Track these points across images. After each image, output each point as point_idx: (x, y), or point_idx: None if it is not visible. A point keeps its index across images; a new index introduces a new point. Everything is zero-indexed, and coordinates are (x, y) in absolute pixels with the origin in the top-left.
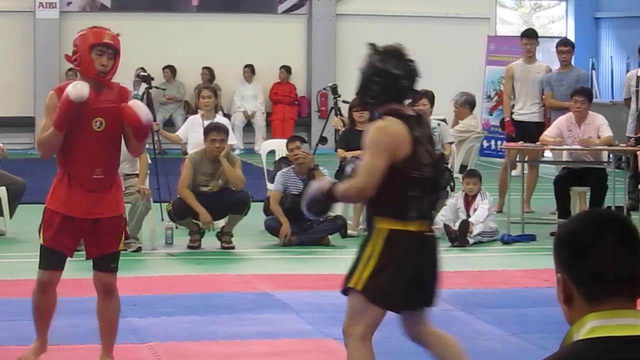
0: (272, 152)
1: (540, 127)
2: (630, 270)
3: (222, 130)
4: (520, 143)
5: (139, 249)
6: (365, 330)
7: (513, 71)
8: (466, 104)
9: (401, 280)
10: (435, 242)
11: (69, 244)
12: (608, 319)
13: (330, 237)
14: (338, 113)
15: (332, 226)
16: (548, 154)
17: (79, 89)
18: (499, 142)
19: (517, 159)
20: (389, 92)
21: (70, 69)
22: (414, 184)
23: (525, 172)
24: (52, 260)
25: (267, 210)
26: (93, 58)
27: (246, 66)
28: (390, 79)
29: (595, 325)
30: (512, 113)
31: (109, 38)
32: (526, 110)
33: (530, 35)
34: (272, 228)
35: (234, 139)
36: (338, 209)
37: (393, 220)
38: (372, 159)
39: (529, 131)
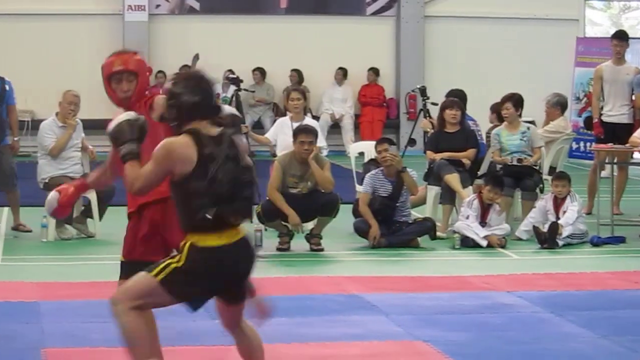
0: (361, 154)
1: (630, 128)
2: None
3: (311, 132)
4: (609, 145)
5: None
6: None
7: (602, 72)
8: (557, 105)
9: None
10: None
11: None
12: None
13: (419, 239)
14: (427, 115)
15: (421, 228)
16: (638, 156)
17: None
18: (588, 144)
19: (606, 161)
20: (181, 114)
21: (160, 71)
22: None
23: (615, 173)
24: None
25: (356, 212)
26: (113, 88)
27: (339, 69)
28: (181, 103)
29: None
30: (600, 114)
31: (119, 64)
32: (615, 111)
33: (621, 37)
34: (361, 230)
35: (323, 141)
36: (427, 211)
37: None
38: (151, 167)
39: (618, 132)
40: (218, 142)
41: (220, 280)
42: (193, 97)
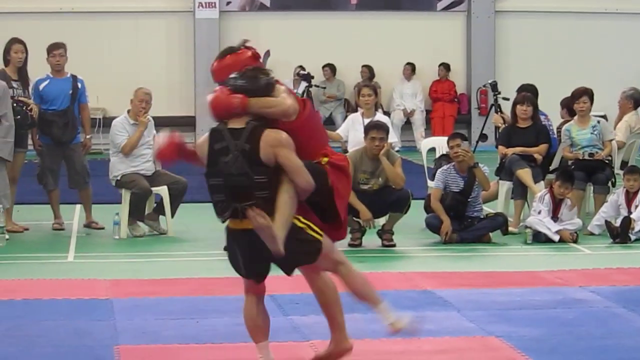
0: (432, 150)
1: None
2: None
3: (382, 128)
4: None
5: None
6: None
7: None
8: (630, 99)
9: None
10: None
11: None
12: None
13: (491, 234)
14: (498, 110)
15: (493, 223)
16: None
17: None
18: None
19: None
20: None
21: None
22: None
23: None
24: None
25: (427, 208)
26: None
27: (407, 64)
28: None
29: None
30: None
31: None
32: None
33: None
34: (433, 225)
35: (394, 137)
36: (499, 206)
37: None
38: None
39: None
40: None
41: (236, 257)
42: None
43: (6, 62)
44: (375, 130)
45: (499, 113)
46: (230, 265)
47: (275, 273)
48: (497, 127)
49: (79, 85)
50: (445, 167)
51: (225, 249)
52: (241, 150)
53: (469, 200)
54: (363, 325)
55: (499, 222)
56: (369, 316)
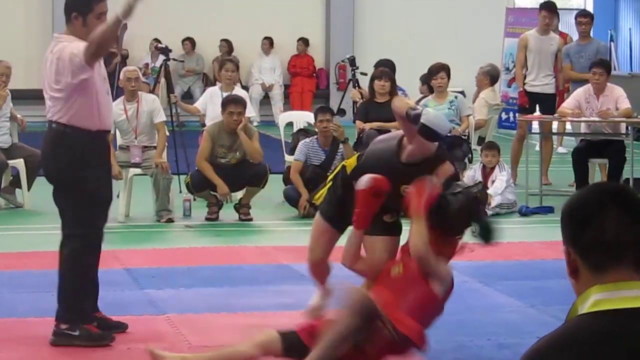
0: (290, 124)
1: (553, 98)
2: (634, 236)
3: (240, 102)
4: (537, 115)
5: (170, 220)
6: None
7: (527, 42)
8: (487, 75)
9: None
10: None
11: None
12: (612, 292)
13: None
14: (356, 85)
15: None
16: (567, 126)
17: None
18: (517, 114)
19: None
20: None
21: None
22: None
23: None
24: None
25: (287, 180)
26: None
27: (265, 38)
28: None
29: (598, 299)
30: (524, 84)
31: None
32: (539, 81)
33: (550, 8)
34: (291, 197)
35: (252, 112)
36: None
37: None
38: None
39: (542, 102)
40: None
41: None
42: None
43: None
44: (232, 104)
45: (357, 88)
46: None
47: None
48: (355, 102)
49: None
50: (307, 139)
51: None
52: None
53: (328, 174)
54: (220, 299)
55: None
56: (225, 290)
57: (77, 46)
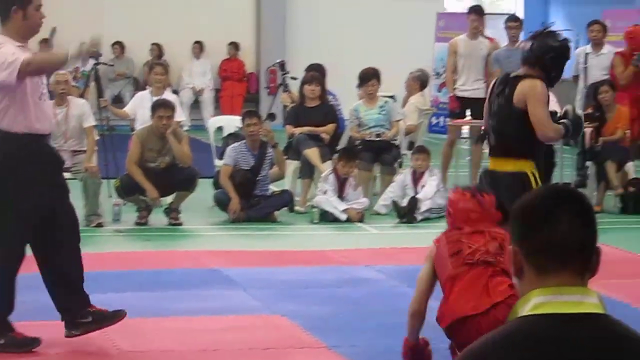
0: (220, 129)
1: (484, 103)
2: (580, 241)
3: (169, 106)
4: (467, 119)
5: (99, 225)
6: None
7: (457, 46)
8: (417, 80)
9: None
10: None
11: None
12: (553, 295)
13: (277, 213)
14: (286, 89)
15: (280, 201)
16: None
17: None
18: (447, 119)
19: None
20: None
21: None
22: None
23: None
24: None
25: (217, 184)
26: None
27: (195, 42)
28: None
29: (539, 302)
30: (454, 89)
31: None
32: (469, 86)
33: (478, 11)
34: (222, 201)
35: (182, 116)
36: (287, 185)
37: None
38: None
39: (473, 107)
40: None
41: None
42: None
43: None
44: (162, 108)
45: (287, 92)
46: None
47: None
48: (285, 106)
49: None
50: (236, 144)
51: None
52: None
53: (258, 178)
54: (150, 303)
55: (285, 200)
56: (156, 294)
57: (10, 52)
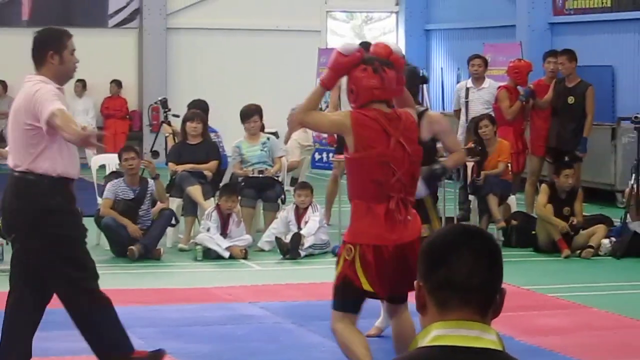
0: (103, 167)
1: None
2: (481, 280)
3: None
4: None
5: None
6: None
7: (340, 82)
8: None
9: None
10: None
11: None
12: (452, 329)
13: (162, 250)
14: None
15: (164, 221)
16: None
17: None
18: (330, 154)
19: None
20: None
21: None
22: None
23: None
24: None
25: (98, 220)
26: None
27: (77, 81)
28: None
29: (439, 334)
30: None
31: None
32: None
33: (364, 47)
34: (110, 227)
35: None
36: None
37: None
38: None
39: None
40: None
41: None
42: None
43: None
44: None
45: (170, 126)
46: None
47: None
48: (166, 137)
49: None
50: (115, 180)
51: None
52: None
53: (140, 213)
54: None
55: (168, 217)
56: (38, 335)
57: (52, 93)
